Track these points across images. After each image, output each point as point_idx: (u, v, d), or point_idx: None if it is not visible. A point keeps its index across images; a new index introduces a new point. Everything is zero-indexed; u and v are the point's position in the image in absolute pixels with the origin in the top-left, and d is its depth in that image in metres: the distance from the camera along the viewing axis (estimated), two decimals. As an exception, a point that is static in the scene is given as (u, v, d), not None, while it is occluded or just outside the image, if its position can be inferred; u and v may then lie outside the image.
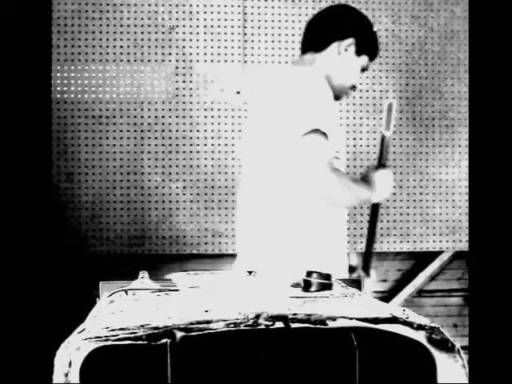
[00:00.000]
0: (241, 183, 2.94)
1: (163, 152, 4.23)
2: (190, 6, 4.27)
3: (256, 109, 2.86)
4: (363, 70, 2.94)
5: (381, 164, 2.90)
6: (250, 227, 2.83)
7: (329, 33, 2.88)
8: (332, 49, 2.87)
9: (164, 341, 1.50)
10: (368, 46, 2.91)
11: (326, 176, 2.63)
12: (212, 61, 4.27)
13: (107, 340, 1.49)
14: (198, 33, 4.27)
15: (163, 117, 4.23)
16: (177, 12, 4.26)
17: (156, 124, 4.23)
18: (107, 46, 4.21)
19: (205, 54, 4.27)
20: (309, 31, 2.96)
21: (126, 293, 1.96)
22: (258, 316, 1.55)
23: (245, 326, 1.53)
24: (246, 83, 4.30)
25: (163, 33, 4.24)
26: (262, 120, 2.77)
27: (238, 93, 4.28)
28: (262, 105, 2.81)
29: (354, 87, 2.94)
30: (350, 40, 2.86)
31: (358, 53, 2.88)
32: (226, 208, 4.26)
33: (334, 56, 2.87)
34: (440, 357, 1.55)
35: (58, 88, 4.16)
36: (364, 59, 2.91)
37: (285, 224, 2.74)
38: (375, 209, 2.96)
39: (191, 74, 4.27)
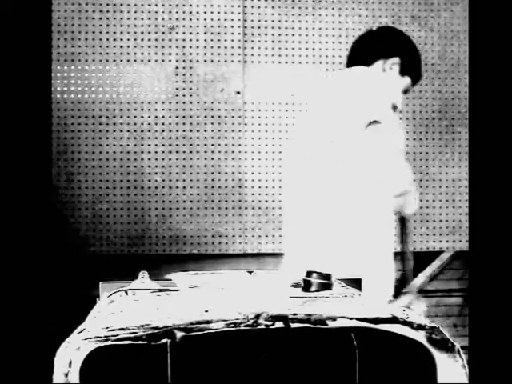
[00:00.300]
0: (288, 184, 2.96)
1: (163, 152, 4.23)
2: (190, 6, 4.27)
3: (311, 111, 2.90)
4: (405, 91, 2.98)
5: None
6: (298, 227, 2.85)
7: (375, 50, 2.92)
8: (377, 66, 2.90)
9: (164, 341, 1.50)
10: (412, 67, 2.96)
11: (392, 163, 2.69)
12: (212, 61, 4.27)
13: (107, 340, 1.49)
14: (198, 33, 4.27)
15: (163, 117, 4.23)
16: (177, 12, 4.26)
17: (156, 124, 4.23)
18: (107, 46, 4.21)
19: (205, 53, 4.27)
20: (355, 48, 3.01)
21: (126, 293, 1.96)
22: (258, 316, 1.55)
23: (245, 326, 1.53)
24: (246, 83, 4.30)
25: (163, 33, 4.24)
26: (318, 120, 2.80)
27: (238, 93, 4.28)
28: (318, 106, 2.85)
29: (395, 107, 2.97)
30: (395, 59, 2.91)
31: (402, 73, 2.93)
32: (226, 208, 4.26)
33: (378, 73, 2.90)
34: (440, 357, 1.55)
35: (58, 88, 4.16)
36: (407, 80, 2.95)
37: (333, 225, 2.76)
38: (405, 222, 2.99)
39: (191, 74, 4.27)
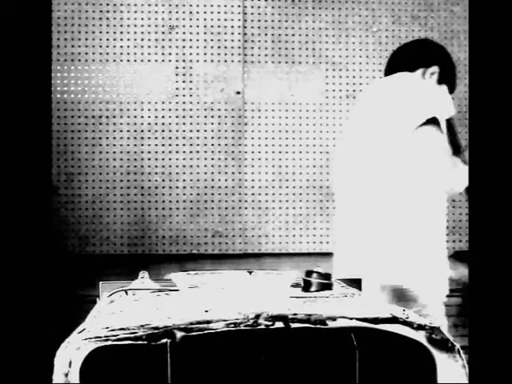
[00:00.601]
0: (339, 185, 2.97)
1: (163, 152, 4.23)
2: (190, 6, 4.27)
3: (362, 113, 2.93)
4: None
5: (458, 146, 2.99)
6: (350, 228, 2.86)
7: (416, 58, 3.00)
8: (417, 74, 2.95)
9: (164, 341, 1.49)
10: (449, 76, 3.03)
11: (445, 162, 2.74)
12: (212, 61, 4.27)
13: (107, 340, 1.49)
14: (198, 33, 4.27)
15: (163, 117, 4.23)
16: (177, 12, 4.26)
17: (156, 124, 4.23)
18: (107, 46, 4.21)
19: (205, 54, 4.27)
20: (394, 57, 3.07)
21: (126, 293, 1.96)
22: (258, 316, 1.55)
23: (245, 326, 1.53)
24: (246, 83, 4.30)
25: (163, 33, 4.24)
26: (370, 122, 2.84)
27: (238, 93, 4.28)
28: (368, 109, 2.89)
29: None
30: (435, 68, 2.98)
31: (440, 82, 2.98)
32: (226, 208, 4.25)
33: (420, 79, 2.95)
34: (440, 357, 1.55)
35: (58, 88, 4.16)
36: (444, 89, 3.00)
37: (386, 225, 2.77)
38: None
39: (191, 74, 4.27)
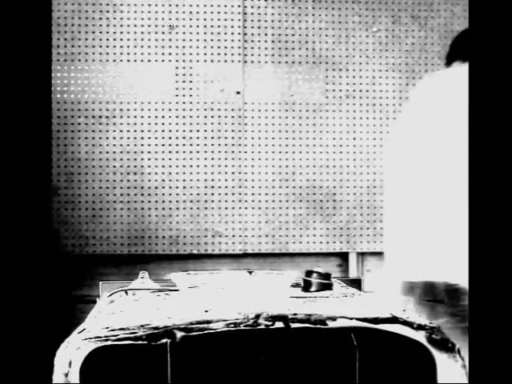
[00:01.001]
0: (389, 183, 2.97)
1: (163, 152, 4.23)
2: (190, 6, 4.27)
3: (413, 111, 2.91)
4: None
5: None
6: (400, 226, 2.85)
7: None
8: None
9: (164, 341, 1.50)
10: None
11: None
12: (212, 61, 4.27)
13: (107, 340, 1.49)
14: (198, 33, 4.27)
15: (163, 117, 4.23)
16: (177, 12, 4.26)
17: (156, 124, 4.23)
18: (107, 46, 4.21)
19: (205, 54, 4.27)
20: (455, 44, 3.03)
21: (126, 293, 1.96)
22: (258, 316, 1.55)
23: (245, 326, 1.53)
24: (246, 83, 4.30)
25: (163, 33, 4.24)
26: (422, 120, 2.82)
27: (238, 93, 4.28)
28: (420, 106, 2.88)
29: None
30: None
31: None
32: (226, 208, 4.25)
33: None
34: (440, 357, 1.55)
35: (58, 88, 4.16)
36: None
37: (436, 224, 2.76)
38: None
39: (191, 74, 4.27)
